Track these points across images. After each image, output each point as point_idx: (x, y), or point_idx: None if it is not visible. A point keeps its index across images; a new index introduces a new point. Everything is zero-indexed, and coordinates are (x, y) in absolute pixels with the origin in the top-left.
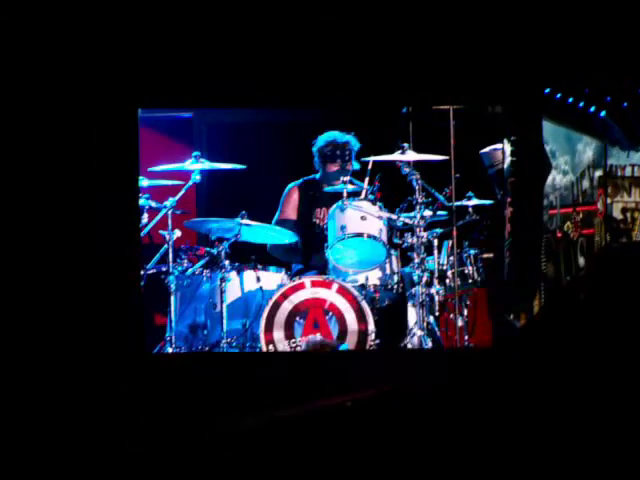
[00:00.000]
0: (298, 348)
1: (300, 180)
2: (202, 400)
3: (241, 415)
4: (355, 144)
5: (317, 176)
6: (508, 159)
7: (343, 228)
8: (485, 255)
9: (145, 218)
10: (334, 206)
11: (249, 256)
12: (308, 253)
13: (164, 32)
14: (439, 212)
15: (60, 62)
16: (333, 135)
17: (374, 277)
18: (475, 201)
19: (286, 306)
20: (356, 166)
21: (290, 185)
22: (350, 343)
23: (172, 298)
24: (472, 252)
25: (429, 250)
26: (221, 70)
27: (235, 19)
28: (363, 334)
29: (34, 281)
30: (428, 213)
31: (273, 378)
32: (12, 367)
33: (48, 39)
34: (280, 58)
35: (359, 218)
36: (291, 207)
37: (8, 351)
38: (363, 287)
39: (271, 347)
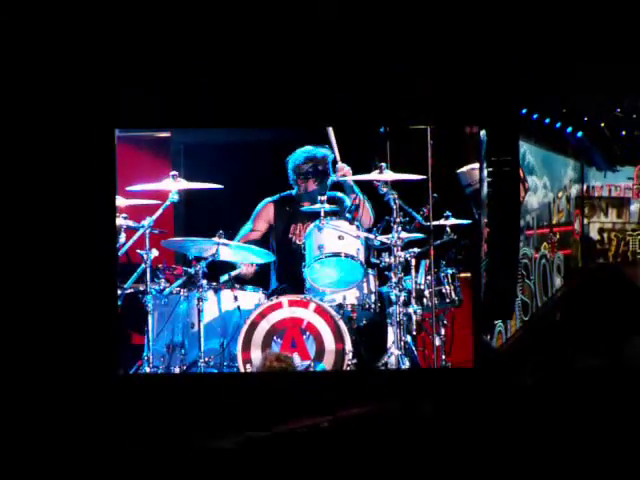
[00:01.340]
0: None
1: (276, 196)
2: (179, 420)
3: (218, 435)
4: (330, 154)
5: (293, 192)
6: (485, 179)
7: (321, 247)
8: (462, 274)
9: (123, 238)
10: (312, 225)
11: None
12: (284, 270)
13: (141, 52)
14: (416, 232)
15: (37, 82)
16: (311, 152)
17: (352, 296)
18: (452, 220)
19: (264, 325)
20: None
21: (266, 200)
22: (327, 363)
23: (149, 317)
24: (449, 271)
25: (406, 269)
26: (197, 90)
27: (207, 44)
28: (340, 354)
29: (7, 298)
30: (405, 234)
31: (250, 398)
32: None
33: (26, 60)
34: (257, 79)
35: (336, 237)
36: (263, 221)
37: None
38: (340, 307)
39: (248, 366)
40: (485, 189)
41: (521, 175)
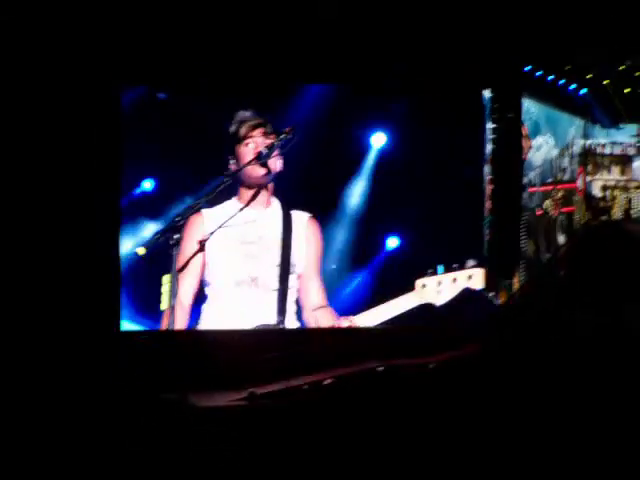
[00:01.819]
0: None
1: None
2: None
3: (219, 391)
4: None
5: None
6: (488, 137)
7: None
8: None
9: None
10: None
11: None
12: None
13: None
14: None
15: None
16: None
17: None
18: None
19: None
20: None
21: None
22: None
23: None
24: None
25: None
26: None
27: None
28: None
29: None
30: None
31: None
32: None
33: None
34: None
35: None
36: None
37: None
38: None
39: None
40: (489, 146)
41: (524, 132)
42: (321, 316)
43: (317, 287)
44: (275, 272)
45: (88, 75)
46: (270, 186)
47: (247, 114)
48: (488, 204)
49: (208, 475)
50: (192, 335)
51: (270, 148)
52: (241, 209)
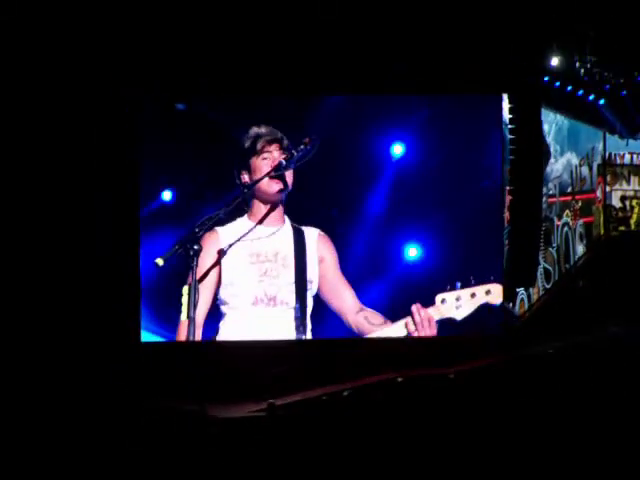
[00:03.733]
0: None
1: None
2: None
3: (241, 402)
4: None
5: None
6: (508, 147)
7: None
8: None
9: None
10: None
11: None
12: None
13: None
14: None
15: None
16: None
17: None
18: None
19: None
20: None
21: None
22: None
23: None
24: None
25: None
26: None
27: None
28: None
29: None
30: None
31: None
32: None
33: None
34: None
35: None
36: None
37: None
38: None
39: None
40: (508, 157)
41: (544, 143)
42: (370, 316)
43: (349, 292)
44: (292, 289)
45: (107, 86)
46: (282, 203)
47: (262, 129)
48: (507, 215)
49: None
50: (212, 347)
51: (289, 159)
52: (255, 225)
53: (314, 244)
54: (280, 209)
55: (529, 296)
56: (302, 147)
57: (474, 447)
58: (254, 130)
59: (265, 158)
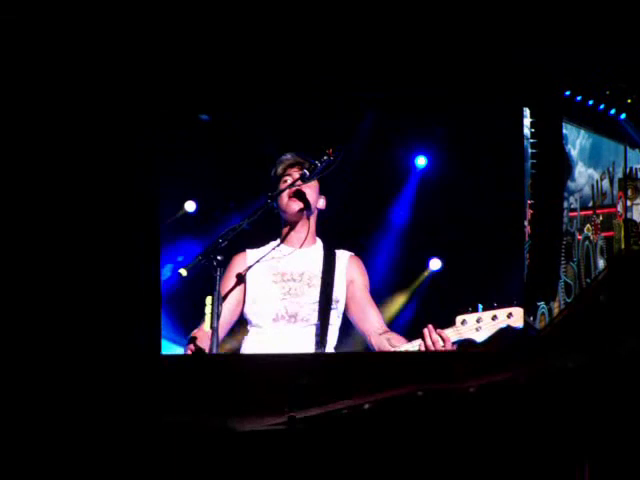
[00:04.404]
0: None
1: None
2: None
3: (258, 415)
4: None
5: None
6: (529, 161)
7: None
8: None
9: None
10: None
11: None
12: None
13: None
14: None
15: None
16: None
17: None
18: None
19: None
20: None
21: None
22: None
23: None
24: None
25: None
26: None
27: None
28: None
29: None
30: None
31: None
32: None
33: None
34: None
35: None
36: None
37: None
38: None
39: None
40: (529, 170)
41: (565, 156)
42: (393, 338)
43: (375, 313)
44: (315, 308)
45: (129, 97)
46: (312, 225)
47: (288, 156)
48: (528, 229)
49: None
50: (234, 359)
51: (312, 169)
52: (279, 244)
53: (344, 265)
54: (310, 230)
55: (550, 310)
56: (325, 158)
57: (497, 463)
58: (280, 158)
59: (286, 181)
